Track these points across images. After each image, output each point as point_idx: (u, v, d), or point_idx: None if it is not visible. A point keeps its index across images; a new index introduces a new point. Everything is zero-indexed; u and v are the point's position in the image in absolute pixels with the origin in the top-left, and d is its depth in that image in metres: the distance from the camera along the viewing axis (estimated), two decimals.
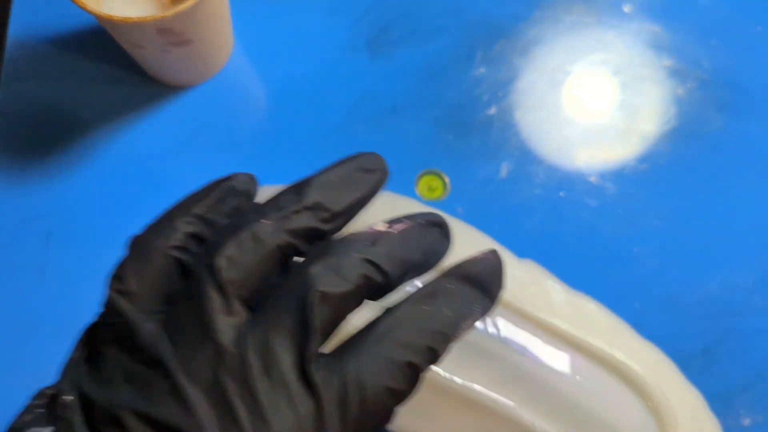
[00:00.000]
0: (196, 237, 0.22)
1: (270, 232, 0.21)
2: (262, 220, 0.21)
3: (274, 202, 0.23)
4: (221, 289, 0.20)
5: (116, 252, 0.41)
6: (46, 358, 0.38)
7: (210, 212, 0.23)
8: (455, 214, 0.41)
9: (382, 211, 0.38)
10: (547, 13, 0.47)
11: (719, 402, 0.38)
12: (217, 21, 0.39)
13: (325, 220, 0.22)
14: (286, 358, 0.19)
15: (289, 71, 0.45)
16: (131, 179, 0.42)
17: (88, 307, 0.40)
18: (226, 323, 0.20)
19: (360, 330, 0.21)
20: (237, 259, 0.21)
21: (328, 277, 0.20)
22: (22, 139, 0.43)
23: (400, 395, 0.21)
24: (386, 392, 0.20)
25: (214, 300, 0.20)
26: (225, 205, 0.24)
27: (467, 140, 0.43)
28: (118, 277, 0.22)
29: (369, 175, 0.24)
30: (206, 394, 0.19)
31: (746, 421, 0.38)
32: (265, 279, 0.21)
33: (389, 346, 0.20)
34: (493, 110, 0.44)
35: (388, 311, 0.21)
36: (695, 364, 0.39)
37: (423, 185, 0.42)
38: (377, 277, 0.21)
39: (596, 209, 0.42)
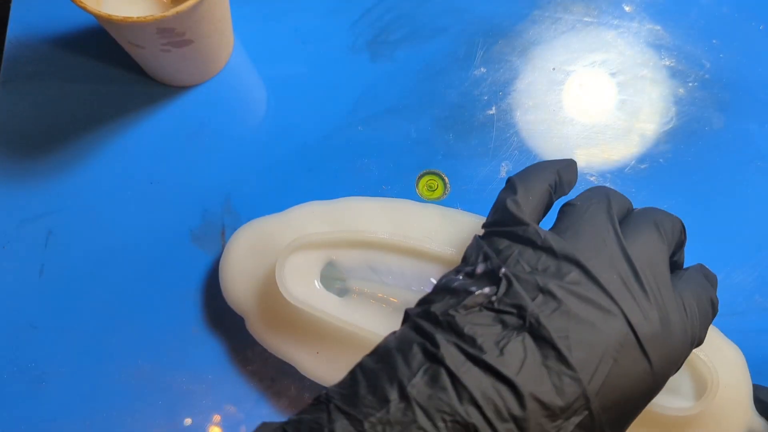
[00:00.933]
0: (555, 182, 0.33)
1: (622, 198, 0.32)
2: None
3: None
4: (613, 221, 0.30)
5: (116, 252, 0.41)
6: (46, 359, 0.38)
7: (561, 173, 0.33)
8: None
9: (380, 214, 0.38)
10: (547, 12, 0.47)
11: None
12: (217, 21, 0.39)
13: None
14: (661, 264, 0.29)
15: (289, 71, 0.45)
16: (131, 179, 0.42)
17: (88, 307, 0.40)
18: (618, 241, 0.29)
19: (625, 225, 0.31)
20: (614, 205, 0.31)
21: (665, 220, 0.31)
22: (22, 139, 0.43)
23: (709, 319, 0.30)
24: (704, 314, 0.30)
25: (611, 227, 0.29)
26: (567, 173, 0.34)
27: (467, 140, 0.43)
28: (515, 201, 0.31)
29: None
30: (612, 281, 0.27)
31: None
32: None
33: (700, 285, 0.31)
34: (493, 110, 0.44)
35: (683, 269, 0.32)
36: None
37: (423, 185, 0.42)
38: (682, 238, 0.32)
39: None
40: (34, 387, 0.38)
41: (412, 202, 0.39)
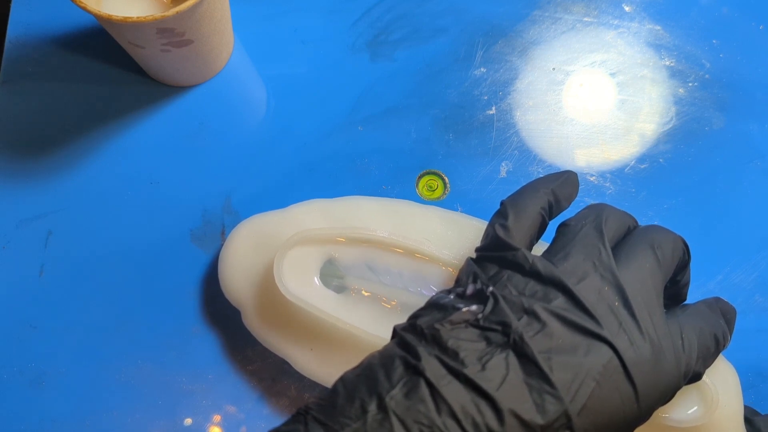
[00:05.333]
0: (549, 203, 0.32)
1: (620, 217, 0.32)
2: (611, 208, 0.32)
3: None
4: (604, 243, 0.29)
5: (116, 251, 0.41)
6: (46, 359, 0.38)
7: (557, 190, 0.33)
8: None
9: (381, 214, 0.38)
10: (547, 12, 0.47)
11: None
12: (217, 21, 0.39)
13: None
14: (652, 291, 0.29)
15: (289, 71, 0.45)
16: (131, 179, 0.42)
17: (88, 307, 0.40)
18: (609, 264, 0.29)
19: (672, 309, 0.31)
20: (610, 226, 0.31)
21: (664, 242, 0.30)
22: (22, 139, 0.43)
23: (710, 354, 0.30)
24: (704, 349, 0.29)
25: (603, 249, 0.29)
26: (564, 189, 0.33)
27: (467, 140, 0.43)
28: (504, 227, 0.31)
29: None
30: (598, 306, 0.27)
31: None
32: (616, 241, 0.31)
33: (704, 320, 0.31)
34: (493, 110, 0.44)
35: (687, 305, 0.32)
36: None
37: (423, 185, 0.42)
38: (685, 258, 0.32)
39: None
40: (34, 387, 0.38)
41: (414, 203, 0.39)
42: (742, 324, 0.40)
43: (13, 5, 0.46)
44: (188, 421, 0.37)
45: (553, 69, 0.45)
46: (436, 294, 0.30)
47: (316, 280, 0.36)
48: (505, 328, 0.27)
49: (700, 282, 0.41)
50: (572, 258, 0.29)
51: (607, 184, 0.43)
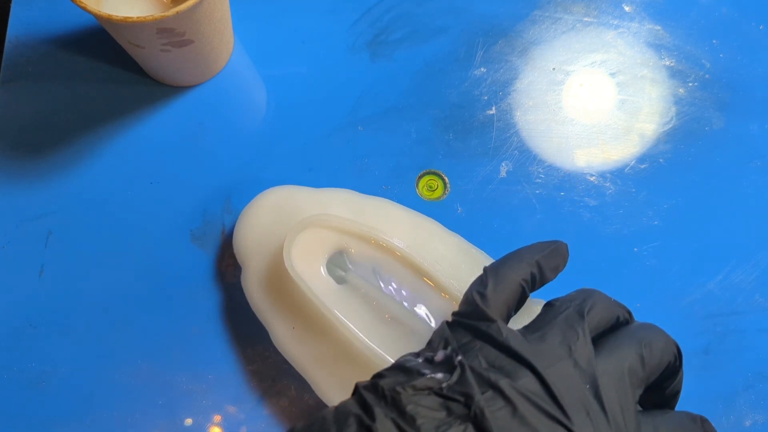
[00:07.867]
0: (532, 275, 0.31)
1: (608, 305, 0.30)
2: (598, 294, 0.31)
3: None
4: (584, 329, 0.28)
5: (116, 252, 0.41)
6: (46, 359, 0.38)
7: (543, 261, 0.31)
8: (455, 214, 0.41)
9: (405, 224, 0.39)
10: (547, 12, 0.47)
11: (720, 402, 0.38)
12: (217, 21, 0.39)
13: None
14: (628, 387, 0.27)
15: (289, 71, 0.45)
16: (131, 179, 0.42)
17: (87, 307, 0.40)
18: (585, 351, 0.28)
19: (651, 411, 0.30)
20: (595, 312, 0.29)
21: (655, 342, 0.29)
22: (22, 139, 0.43)
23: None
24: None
25: (581, 335, 0.28)
26: (551, 260, 0.32)
27: (467, 140, 0.43)
28: (482, 295, 0.30)
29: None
30: (567, 393, 0.26)
31: (747, 422, 0.38)
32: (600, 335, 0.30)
33: (680, 427, 0.29)
34: (493, 110, 0.44)
35: (668, 410, 0.30)
36: (696, 364, 0.39)
37: (423, 185, 0.42)
38: (676, 364, 0.30)
39: (596, 209, 0.42)
40: (34, 387, 0.38)
41: (439, 225, 0.39)
42: (742, 324, 0.40)
43: (13, 5, 0.46)
44: (188, 421, 0.37)
45: (553, 69, 0.45)
46: (404, 356, 0.29)
47: (322, 267, 0.37)
48: (468, 399, 0.26)
49: (700, 282, 0.41)
50: (549, 339, 0.28)
51: (607, 184, 0.43)
